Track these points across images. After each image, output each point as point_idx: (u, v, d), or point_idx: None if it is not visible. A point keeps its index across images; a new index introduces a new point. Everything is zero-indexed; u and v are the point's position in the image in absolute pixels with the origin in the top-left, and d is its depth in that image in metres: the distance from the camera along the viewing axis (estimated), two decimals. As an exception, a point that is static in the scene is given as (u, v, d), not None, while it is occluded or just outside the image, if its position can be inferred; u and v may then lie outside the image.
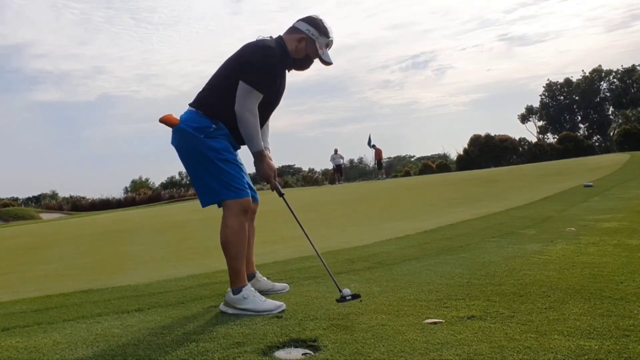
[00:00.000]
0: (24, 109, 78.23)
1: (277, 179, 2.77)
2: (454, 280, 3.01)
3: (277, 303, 2.58)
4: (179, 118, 2.68)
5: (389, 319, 2.29)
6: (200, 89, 2.81)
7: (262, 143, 2.66)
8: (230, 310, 2.56)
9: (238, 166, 2.68)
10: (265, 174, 2.68)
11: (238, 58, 2.68)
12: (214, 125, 2.61)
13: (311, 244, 2.73)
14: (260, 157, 2.65)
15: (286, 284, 3.07)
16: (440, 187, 13.11)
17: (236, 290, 2.56)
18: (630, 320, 2.06)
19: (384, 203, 10.66)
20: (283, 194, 2.74)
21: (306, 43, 2.75)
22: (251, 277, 2.89)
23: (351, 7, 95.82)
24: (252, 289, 2.61)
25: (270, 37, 2.78)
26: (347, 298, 2.50)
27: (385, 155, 40.95)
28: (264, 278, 3.03)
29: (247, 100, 2.58)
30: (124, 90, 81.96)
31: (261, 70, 2.60)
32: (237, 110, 2.58)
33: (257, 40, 2.70)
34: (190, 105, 2.72)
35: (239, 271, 2.60)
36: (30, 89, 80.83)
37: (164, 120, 2.70)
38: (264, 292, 2.81)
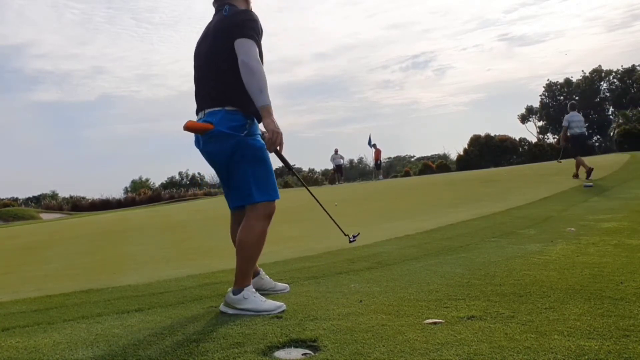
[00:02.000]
0: (24, 109, 78.13)
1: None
2: (454, 280, 3.01)
3: (277, 303, 2.57)
4: (204, 122, 2.55)
5: (389, 319, 2.29)
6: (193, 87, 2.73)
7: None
8: (230, 311, 2.55)
9: (271, 166, 2.66)
10: (277, 130, 2.48)
11: (226, 30, 2.56)
12: (248, 121, 2.57)
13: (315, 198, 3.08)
14: (270, 111, 2.48)
15: (287, 285, 3.08)
16: (440, 187, 13.11)
17: (237, 291, 2.55)
18: (630, 320, 2.06)
19: (384, 203, 10.66)
20: (291, 165, 2.82)
21: None
22: (255, 274, 2.89)
23: (351, 7, 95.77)
24: (253, 289, 2.59)
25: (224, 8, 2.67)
26: (352, 240, 3.07)
27: (385, 155, 40.94)
28: (267, 277, 3.02)
29: (251, 50, 2.49)
30: (124, 90, 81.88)
31: (253, 23, 2.56)
32: (245, 61, 2.46)
33: (230, 10, 2.61)
34: (209, 106, 2.60)
35: (247, 273, 2.57)
36: (30, 89, 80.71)
37: (193, 128, 2.54)
38: (265, 291, 2.82)
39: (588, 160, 11.63)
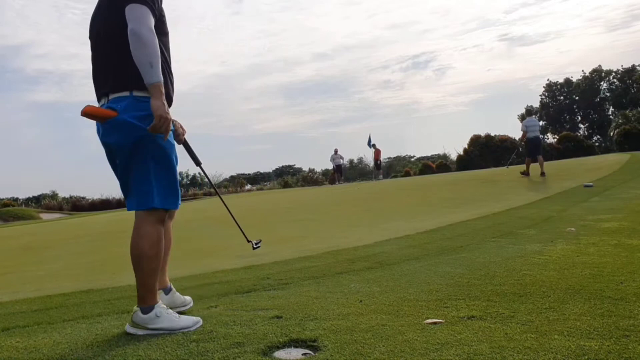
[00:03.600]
0: (23, 109, 78.34)
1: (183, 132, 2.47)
2: (454, 280, 3.01)
3: (194, 319, 2.37)
4: (108, 108, 2.26)
5: (389, 319, 2.29)
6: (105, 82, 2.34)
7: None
8: (140, 332, 2.27)
9: (176, 170, 2.41)
10: (164, 115, 2.17)
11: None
12: None
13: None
14: (161, 90, 2.18)
15: (190, 298, 2.80)
16: (440, 187, 13.10)
17: (147, 309, 2.27)
18: (630, 320, 2.06)
19: (384, 203, 10.66)
20: (200, 162, 2.67)
21: None
22: (167, 290, 2.64)
23: (351, 7, 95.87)
24: (164, 305, 2.35)
25: None
26: (255, 246, 2.89)
27: (385, 155, 40.94)
28: (177, 292, 2.74)
29: (143, 17, 2.16)
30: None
31: None
32: (135, 29, 2.14)
33: None
34: (113, 91, 2.28)
35: (152, 288, 2.30)
36: (31, 89, 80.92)
37: (92, 113, 2.23)
38: (176, 308, 2.60)
39: (588, 160, 11.67)
